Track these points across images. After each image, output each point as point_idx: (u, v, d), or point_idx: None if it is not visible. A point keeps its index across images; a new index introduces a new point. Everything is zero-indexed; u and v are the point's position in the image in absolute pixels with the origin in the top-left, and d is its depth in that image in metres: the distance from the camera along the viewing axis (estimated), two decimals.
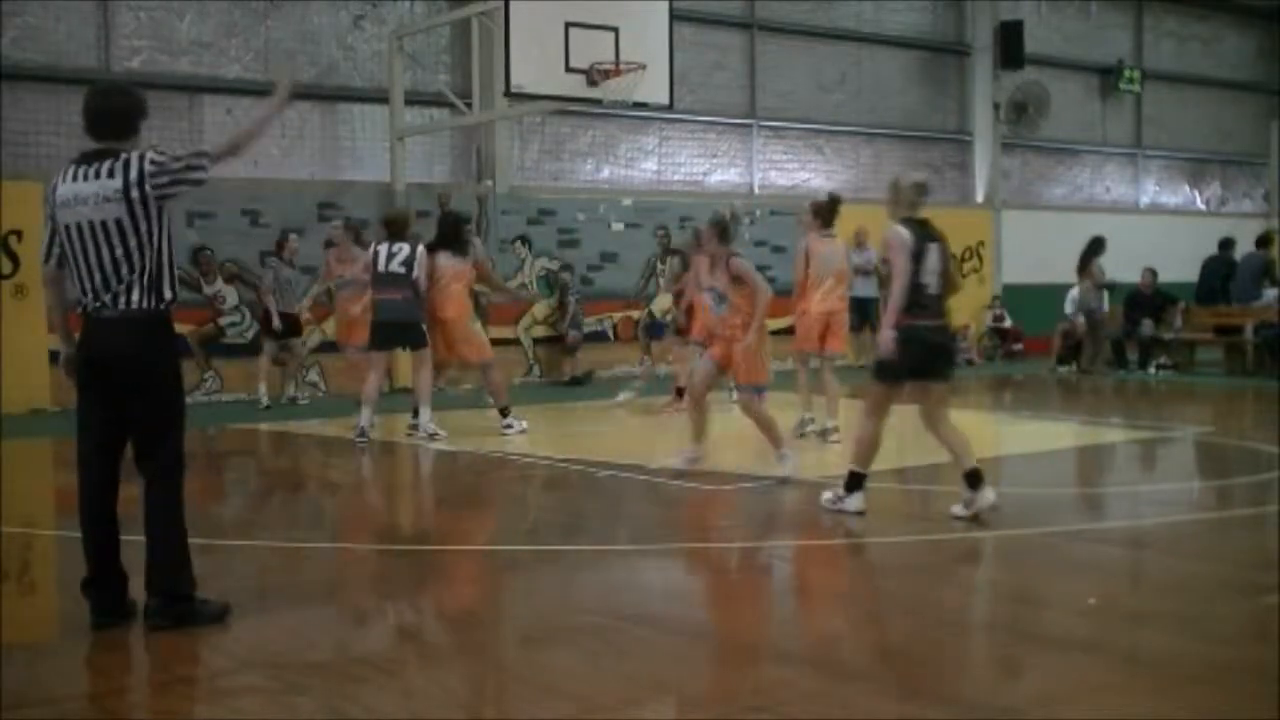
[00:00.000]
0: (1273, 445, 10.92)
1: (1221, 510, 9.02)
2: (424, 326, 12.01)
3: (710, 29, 20.24)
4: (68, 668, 5.32)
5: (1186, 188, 27.02)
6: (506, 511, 9.29)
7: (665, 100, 15.09)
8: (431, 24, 17.58)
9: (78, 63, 15.51)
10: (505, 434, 12.10)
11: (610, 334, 18.79)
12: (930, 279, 7.79)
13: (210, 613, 5.70)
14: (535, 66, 14.05)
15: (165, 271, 5.60)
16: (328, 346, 16.23)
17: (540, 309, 18.15)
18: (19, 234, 14.54)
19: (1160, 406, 15.71)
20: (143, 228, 5.52)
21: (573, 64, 14.19)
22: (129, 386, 5.59)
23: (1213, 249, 20.64)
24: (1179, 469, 11.45)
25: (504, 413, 12.29)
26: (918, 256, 7.74)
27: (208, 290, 15.79)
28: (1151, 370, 18.89)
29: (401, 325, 11.96)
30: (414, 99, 17.32)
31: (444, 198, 17.17)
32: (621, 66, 14.32)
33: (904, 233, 7.77)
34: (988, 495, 7.83)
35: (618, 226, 18.87)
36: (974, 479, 7.86)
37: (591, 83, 14.33)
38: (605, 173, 19.50)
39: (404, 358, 13.47)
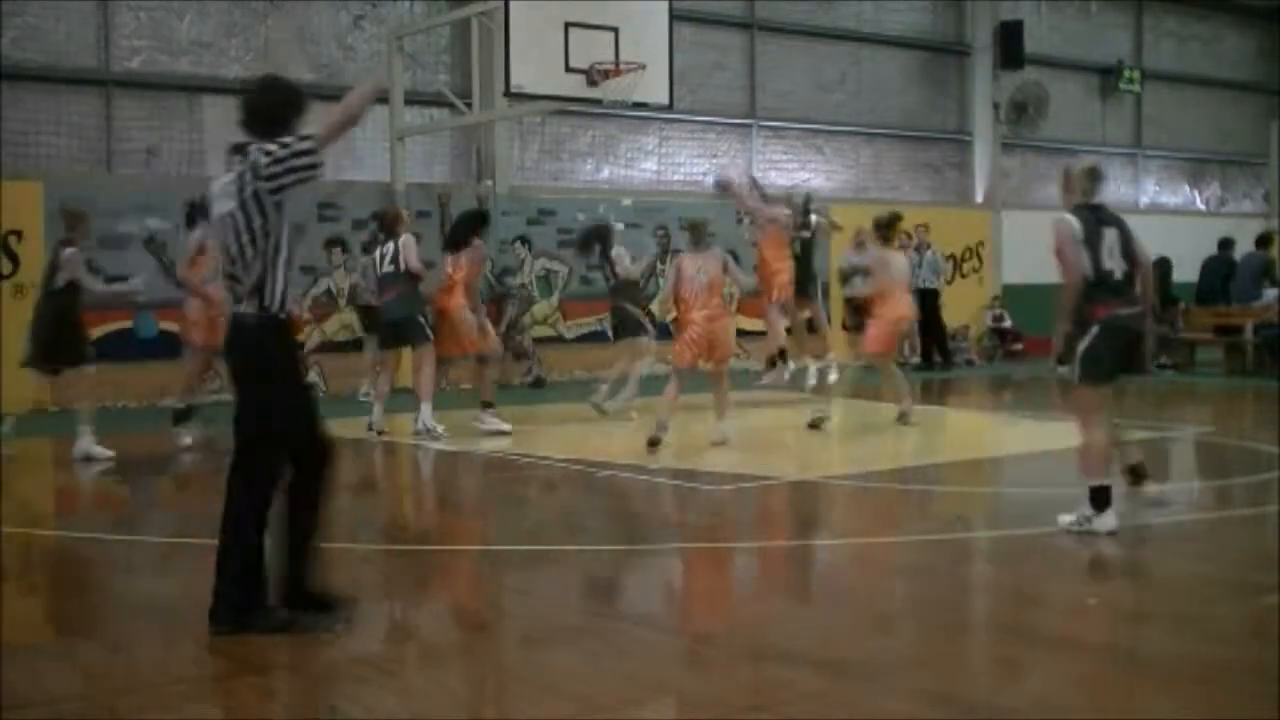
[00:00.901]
0: (1273, 445, 10.92)
1: (1221, 510, 9.01)
2: (422, 321, 12.04)
3: (710, 29, 20.24)
4: (68, 668, 5.32)
5: (1186, 188, 27.02)
6: (507, 511, 9.29)
7: (665, 100, 15.09)
8: (431, 24, 17.58)
9: (78, 63, 15.52)
10: (478, 426, 12.14)
11: (610, 334, 18.74)
12: (1113, 264, 7.50)
13: (271, 623, 5.51)
14: (535, 66, 14.04)
15: (270, 277, 5.50)
16: (327, 346, 16.30)
17: (539, 310, 18.15)
18: (19, 234, 14.54)
19: (1160, 406, 15.69)
20: (255, 223, 5.47)
21: (572, 64, 14.18)
22: (236, 384, 5.71)
23: (1212, 249, 20.66)
24: (1179, 469, 11.45)
25: (485, 406, 12.31)
26: (1091, 242, 7.48)
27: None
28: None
29: (400, 323, 12.01)
30: (414, 99, 17.31)
31: (444, 198, 17.18)
32: (621, 66, 14.32)
33: (1070, 221, 7.52)
34: (1108, 520, 7.51)
35: (618, 226, 18.83)
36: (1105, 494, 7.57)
37: (591, 83, 14.33)
38: (605, 173, 19.49)
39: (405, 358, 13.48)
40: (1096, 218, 7.56)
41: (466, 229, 12.55)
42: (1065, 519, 7.56)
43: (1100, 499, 7.47)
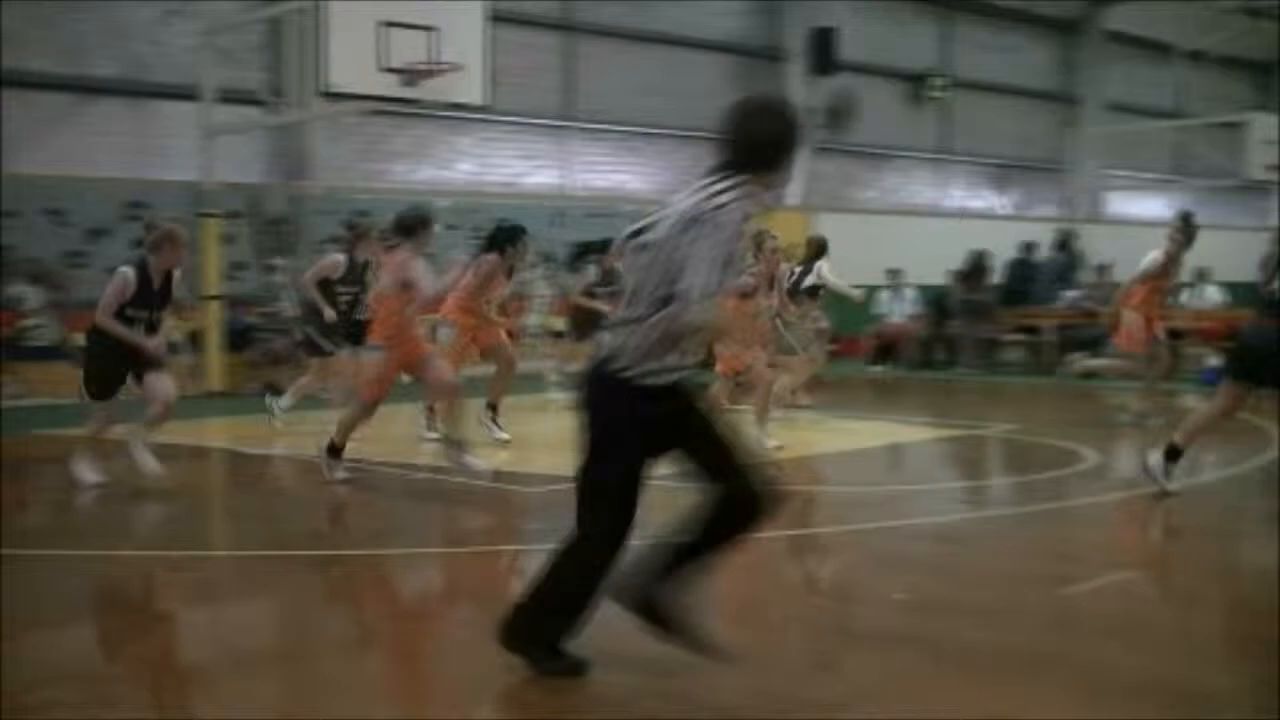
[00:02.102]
0: (1074, 441, 11.33)
1: (1026, 505, 9.30)
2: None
3: (528, 30, 20.17)
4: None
5: (991, 192, 27.81)
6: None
7: (481, 101, 15.05)
8: (244, 20, 17.23)
9: None
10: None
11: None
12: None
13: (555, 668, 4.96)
14: (351, 65, 13.88)
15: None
16: None
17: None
18: None
19: (968, 405, 16.15)
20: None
21: (389, 64, 14.06)
22: None
23: (1015, 252, 21.40)
24: (987, 465, 11.83)
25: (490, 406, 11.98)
26: (1268, 266, 8.28)
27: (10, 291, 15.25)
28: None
29: None
30: (227, 97, 16.91)
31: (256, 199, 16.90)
32: (438, 67, 14.24)
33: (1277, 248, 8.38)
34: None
35: (436, 228, 18.70)
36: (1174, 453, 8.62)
37: (408, 83, 14.22)
38: (423, 173, 19.36)
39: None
40: None
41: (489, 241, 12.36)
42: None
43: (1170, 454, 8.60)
